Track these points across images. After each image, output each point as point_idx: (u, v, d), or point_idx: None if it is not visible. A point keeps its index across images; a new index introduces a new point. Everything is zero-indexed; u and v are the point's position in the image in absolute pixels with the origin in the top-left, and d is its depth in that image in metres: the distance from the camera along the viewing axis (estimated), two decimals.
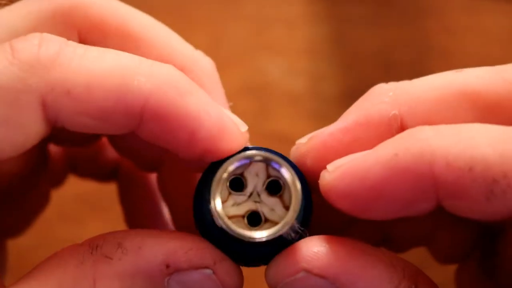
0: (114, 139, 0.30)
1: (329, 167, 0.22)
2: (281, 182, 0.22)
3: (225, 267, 0.21)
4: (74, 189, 0.40)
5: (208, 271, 0.21)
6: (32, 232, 0.33)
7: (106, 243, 0.21)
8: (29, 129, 0.21)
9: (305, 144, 0.24)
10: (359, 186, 0.21)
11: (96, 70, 0.21)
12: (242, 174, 0.22)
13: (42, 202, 0.32)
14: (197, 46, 0.30)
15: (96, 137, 0.31)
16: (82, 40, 0.26)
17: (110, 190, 0.38)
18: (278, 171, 0.22)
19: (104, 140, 0.32)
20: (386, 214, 0.22)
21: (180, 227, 0.31)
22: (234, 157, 0.22)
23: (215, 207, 0.21)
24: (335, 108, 0.47)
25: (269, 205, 0.22)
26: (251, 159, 0.22)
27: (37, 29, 0.24)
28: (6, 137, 0.20)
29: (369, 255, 0.21)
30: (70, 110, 0.21)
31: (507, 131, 0.20)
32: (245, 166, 0.22)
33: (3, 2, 0.26)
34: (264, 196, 0.22)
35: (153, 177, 0.33)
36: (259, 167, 0.22)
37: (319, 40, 0.52)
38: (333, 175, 0.21)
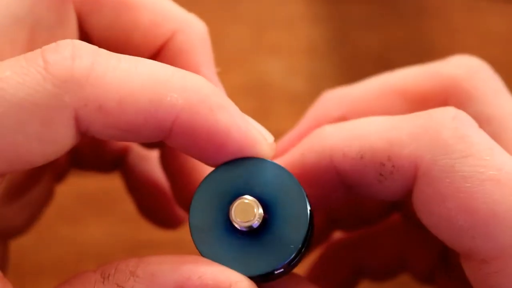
0: None
1: None
2: None
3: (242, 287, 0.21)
4: (74, 189, 0.40)
5: None
6: (32, 232, 0.33)
7: (118, 272, 0.21)
8: (62, 143, 0.21)
9: (271, 149, 0.25)
10: None
11: (129, 85, 0.20)
12: None
13: (46, 198, 0.32)
14: None
15: None
16: (78, 11, 0.25)
17: (110, 190, 0.38)
18: None
19: None
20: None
21: (182, 203, 0.31)
22: None
23: None
24: None
25: None
26: None
27: (34, 8, 0.24)
28: (40, 152, 0.20)
29: None
30: (101, 123, 0.21)
31: (395, 120, 0.23)
32: None
33: None
34: None
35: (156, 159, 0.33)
36: None
37: (319, 40, 0.52)
38: None
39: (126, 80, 0.20)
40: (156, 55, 0.27)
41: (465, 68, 0.26)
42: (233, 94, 0.29)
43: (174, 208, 0.33)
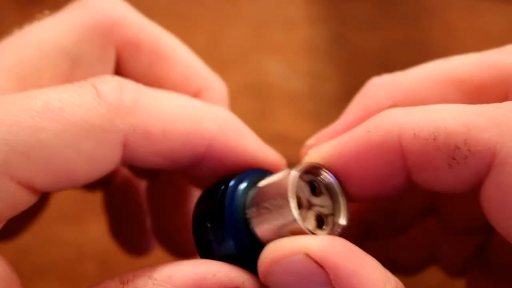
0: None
1: (311, 151, 0.24)
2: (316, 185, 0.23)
3: (253, 284, 0.22)
4: (74, 189, 0.39)
5: None
6: (32, 232, 0.33)
7: (136, 277, 0.22)
8: (106, 166, 0.22)
9: (314, 145, 0.25)
10: (336, 163, 0.23)
11: (170, 114, 0.23)
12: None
13: (41, 204, 0.32)
14: (197, 46, 0.30)
15: None
16: (118, 53, 0.28)
17: None
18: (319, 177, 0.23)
19: None
20: (362, 191, 0.23)
21: (161, 238, 0.33)
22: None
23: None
24: (335, 108, 0.47)
25: (320, 204, 0.23)
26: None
27: (79, 43, 0.26)
28: (85, 171, 0.22)
29: (368, 257, 0.21)
30: (146, 150, 0.23)
31: (469, 107, 0.21)
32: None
33: (47, 12, 0.27)
34: (314, 199, 0.23)
35: (142, 188, 0.34)
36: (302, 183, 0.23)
37: (319, 40, 0.52)
38: (313, 155, 0.23)
39: (166, 110, 0.23)
40: None
41: None
42: (233, 94, 0.29)
43: (147, 237, 0.34)
